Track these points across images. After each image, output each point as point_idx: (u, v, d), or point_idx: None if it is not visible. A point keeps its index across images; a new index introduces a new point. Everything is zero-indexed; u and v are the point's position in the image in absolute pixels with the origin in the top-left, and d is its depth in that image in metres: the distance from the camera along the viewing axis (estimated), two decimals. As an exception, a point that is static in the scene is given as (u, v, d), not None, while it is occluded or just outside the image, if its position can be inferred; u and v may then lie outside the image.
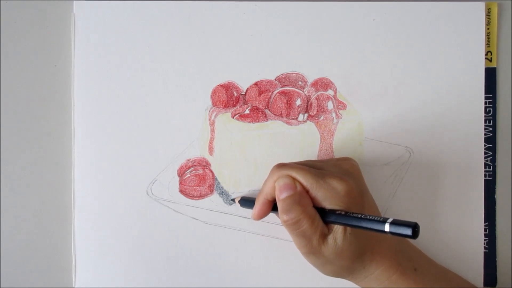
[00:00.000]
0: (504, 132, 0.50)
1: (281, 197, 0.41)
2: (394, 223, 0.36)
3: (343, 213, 0.40)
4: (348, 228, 0.41)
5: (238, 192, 0.50)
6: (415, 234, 0.35)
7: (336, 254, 0.41)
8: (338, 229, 0.41)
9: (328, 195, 0.41)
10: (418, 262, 0.45)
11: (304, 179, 0.41)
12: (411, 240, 0.47)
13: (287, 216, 0.41)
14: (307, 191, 0.42)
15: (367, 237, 0.42)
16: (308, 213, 0.41)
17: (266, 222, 0.49)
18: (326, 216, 0.41)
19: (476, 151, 0.50)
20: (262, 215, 0.44)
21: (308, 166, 0.43)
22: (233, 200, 0.49)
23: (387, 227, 0.36)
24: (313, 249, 0.41)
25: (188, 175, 0.50)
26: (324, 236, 0.41)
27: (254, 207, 0.44)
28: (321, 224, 0.41)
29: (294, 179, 0.42)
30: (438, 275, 0.46)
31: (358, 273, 0.43)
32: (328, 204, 0.41)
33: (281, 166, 0.43)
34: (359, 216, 0.39)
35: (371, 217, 0.38)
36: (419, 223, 0.49)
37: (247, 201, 0.47)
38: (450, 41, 0.50)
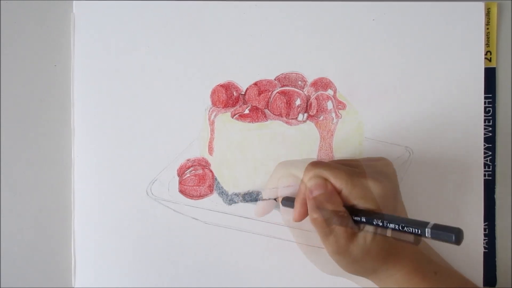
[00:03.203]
0: (504, 132, 0.50)
1: (311, 196, 0.41)
2: (436, 228, 0.35)
3: (377, 213, 0.40)
4: (378, 229, 0.40)
5: (239, 190, 0.50)
6: (459, 240, 0.34)
7: (364, 253, 0.41)
8: (368, 229, 0.41)
9: (362, 195, 0.41)
10: (438, 266, 0.45)
11: (337, 179, 0.41)
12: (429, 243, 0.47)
13: (316, 214, 0.41)
14: (340, 191, 0.41)
15: (393, 239, 0.41)
16: (337, 212, 0.40)
17: (266, 222, 0.49)
18: (357, 215, 0.41)
19: (475, 151, 0.50)
20: (303, 216, 0.43)
21: (343, 165, 0.42)
22: (275, 199, 0.48)
23: (427, 232, 0.35)
24: (341, 249, 0.41)
25: (188, 175, 0.50)
26: (353, 235, 0.41)
27: (294, 209, 0.43)
28: (350, 223, 0.41)
29: (325, 179, 0.41)
30: (457, 280, 0.46)
31: (380, 273, 0.43)
32: (360, 204, 0.41)
33: (314, 165, 0.42)
34: (395, 217, 0.38)
35: (411, 220, 0.37)
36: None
37: (289, 200, 0.46)
38: (450, 41, 0.50)
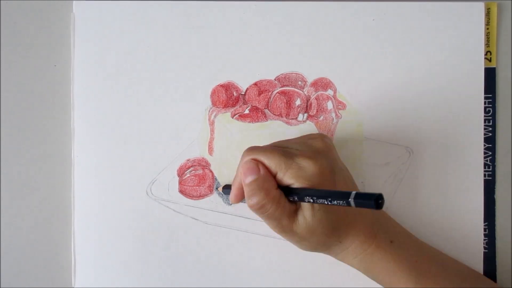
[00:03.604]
0: (504, 132, 0.50)
1: (245, 181, 0.42)
2: (358, 197, 0.36)
3: (306, 190, 0.40)
4: (316, 205, 0.41)
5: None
6: (379, 205, 0.34)
7: (308, 231, 0.41)
8: (305, 207, 0.41)
9: (297, 175, 0.41)
10: (395, 235, 0.45)
11: (271, 162, 0.41)
12: (389, 213, 0.48)
13: (251, 201, 0.41)
14: (276, 173, 0.42)
15: (340, 212, 0.42)
16: (271, 197, 0.41)
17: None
18: (291, 195, 0.41)
19: (475, 151, 0.50)
20: (239, 199, 0.44)
21: (278, 147, 0.43)
22: (217, 189, 0.49)
23: (351, 202, 0.36)
24: (285, 228, 0.42)
25: (188, 175, 0.50)
26: (292, 215, 0.41)
27: (231, 192, 0.44)
28: (287, 204, 0.41)
29: (258, 162, 0.42)
30: (415, 247, 0.46)
31: (334, 247, 0.44)
32: (296, 184, 0.41)
33: (250, 149, 0.43)
34: (322, 191, 0.39)
35: (333, 192, 0.38)
36: (418, 222, 0.49)
37: (229, 188, 0.47)
38: (450, 41, 0.50)
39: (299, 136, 0.46)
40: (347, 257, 0.44)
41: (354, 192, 0.36)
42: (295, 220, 0.41)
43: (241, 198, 0.44)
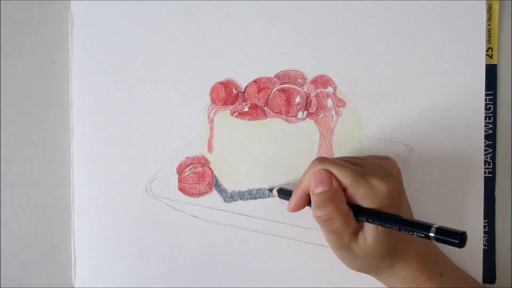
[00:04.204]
0: (504, 129, 0.50)
1: (315, 191, 0.41)
2: (440, 230, 0.35)
3: (381, 214, 0.40)
4: (380, 228, 0.40)
5: (238, 188, 0.50)
6: (462, 243, 0.33)
7: (366, 252, 0.41)
8: (369, 228, 0.41)
9: (367, 194, 0.40)
10: (445, 268, 0.45)
11: (343, 176, 0.41)
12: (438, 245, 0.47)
13: (320, 212, 0.41)
14: (345, 189, 0.41)
15: (397, 237, 0.41)
16: (341, 211, 0.40)
17: (265, 220, 0.49)
18: (360, 214, 0.41)
19: (476, 148, 0.50)
20: (298, 208, 0.43)
21: (349, 163, 0.42)
22: (270, 190, 0.49)
23: (432, 233, 0.35)
24: (343, 245, 0.41)
25: (187, 172, 0.50)
26: (355, 234, 0.41)
27: (290, 199, 0.44)
28: (353, 222, 0.41)
29: (331, 174, 0.41)
30: (463, 282, 0.46)
31: (384, 271, 0.43)
32: (365, 203, 0.41)
33: (321, 160, 0.42)
34: (400, 219, 0.38)
35: (416, 221, 0.37)
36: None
37: (285, 192, 0.47)
38: (451, 37, 0.49)
39: (367, 155, 0.46)
40: (395, 283, 0.44)
41: (435, 226, 0.35)
42: (356, 239, 0.41)
43: (301, 207, 0.43)
